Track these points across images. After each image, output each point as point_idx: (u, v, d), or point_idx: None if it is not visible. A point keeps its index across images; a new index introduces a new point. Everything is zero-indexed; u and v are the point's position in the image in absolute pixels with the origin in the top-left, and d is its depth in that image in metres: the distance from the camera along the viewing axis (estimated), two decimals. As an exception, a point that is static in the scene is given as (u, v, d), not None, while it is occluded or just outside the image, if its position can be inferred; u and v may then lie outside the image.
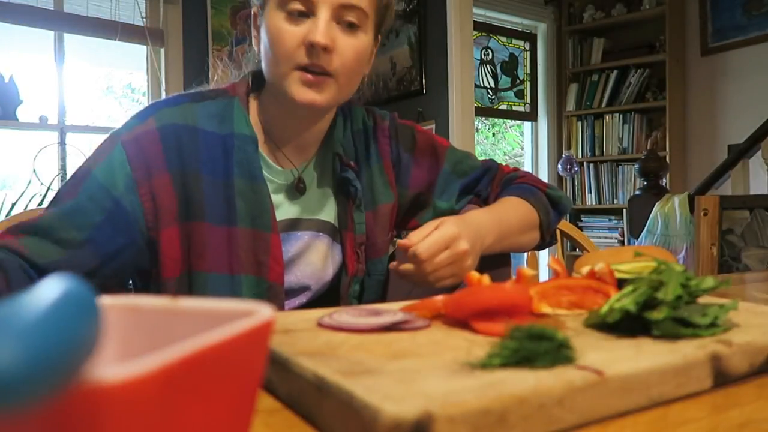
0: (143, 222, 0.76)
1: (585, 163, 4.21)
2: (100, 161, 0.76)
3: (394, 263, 0.78)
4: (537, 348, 0.37)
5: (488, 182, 0.98)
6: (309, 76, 0.77)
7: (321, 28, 0.75)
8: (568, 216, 1.37)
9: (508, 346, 0.37)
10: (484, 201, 0.97)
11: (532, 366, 0.36)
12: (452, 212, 0.93)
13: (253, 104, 0.87)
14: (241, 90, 0.85)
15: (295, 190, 0.87)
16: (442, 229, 0.75)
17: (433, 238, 0.73)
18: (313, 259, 0.89)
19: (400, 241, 0.76)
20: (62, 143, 2.81)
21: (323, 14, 0.76)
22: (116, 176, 0.75)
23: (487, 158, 1.04)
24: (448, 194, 0.96)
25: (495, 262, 0.87)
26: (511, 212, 0.88)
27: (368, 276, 0.92)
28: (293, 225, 0.87)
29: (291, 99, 0.78)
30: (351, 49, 0.78)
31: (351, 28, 0.78)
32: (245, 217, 0.80)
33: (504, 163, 1.01)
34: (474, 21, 3.32)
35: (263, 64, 0.82)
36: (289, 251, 0.86)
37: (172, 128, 0.79)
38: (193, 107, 0.81)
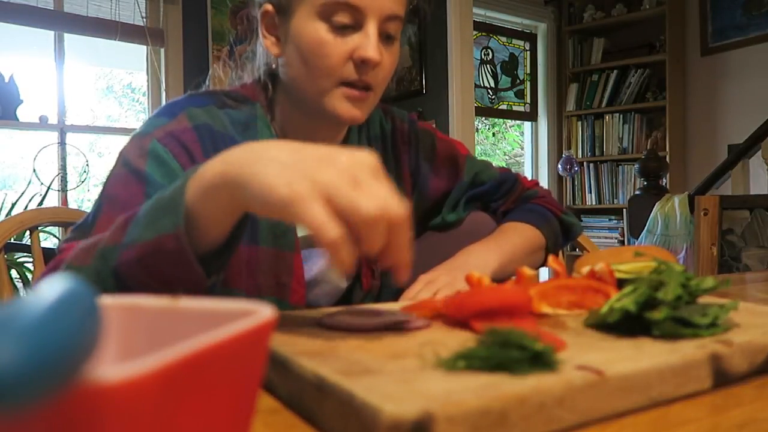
0: None
1: (585, 163, 4.21)
2: (143, 164, 0.68)
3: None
4: (508, 356, 0.35)
5: (502, 195, 0.95)
6: (355, 92, 0.73)
7: (374, 43, 0.71)
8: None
9: (478, 353, 0.36)
10: (492, 212, 0.96)
11: (508, 372, 0.35)
12: (459, 221, 0.92)
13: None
14: (261, 96, 0.80)
15: None
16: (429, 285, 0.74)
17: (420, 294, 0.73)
18: (333, 276, 0.85)
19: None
20: (62, 143, 2.80)
21: (372, 28, 0.72)
22: (173, 176, 0.67)
23: (506, 168, 1.01)
24: (459, 206, 0.93)
25: None
26: (517, 241, 0.86)
27: (383, 289, 0.88)
28: (312, 241, 0.81)
29: (333, 115, 0.74)
30: (391, 61, 0.76)
31: (388, 39, 0.75)
32: (267, 236, 0.76)
33: (505, 165, 1.00)
34: (474, 21, 3.32)
35: (290, 73, 0.77)
36: (312, 270, 0.82)
37: (207, 129, 0.74)
38: (218, 112, 0.76)
